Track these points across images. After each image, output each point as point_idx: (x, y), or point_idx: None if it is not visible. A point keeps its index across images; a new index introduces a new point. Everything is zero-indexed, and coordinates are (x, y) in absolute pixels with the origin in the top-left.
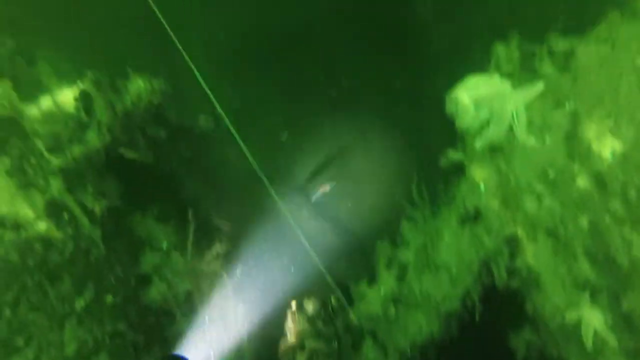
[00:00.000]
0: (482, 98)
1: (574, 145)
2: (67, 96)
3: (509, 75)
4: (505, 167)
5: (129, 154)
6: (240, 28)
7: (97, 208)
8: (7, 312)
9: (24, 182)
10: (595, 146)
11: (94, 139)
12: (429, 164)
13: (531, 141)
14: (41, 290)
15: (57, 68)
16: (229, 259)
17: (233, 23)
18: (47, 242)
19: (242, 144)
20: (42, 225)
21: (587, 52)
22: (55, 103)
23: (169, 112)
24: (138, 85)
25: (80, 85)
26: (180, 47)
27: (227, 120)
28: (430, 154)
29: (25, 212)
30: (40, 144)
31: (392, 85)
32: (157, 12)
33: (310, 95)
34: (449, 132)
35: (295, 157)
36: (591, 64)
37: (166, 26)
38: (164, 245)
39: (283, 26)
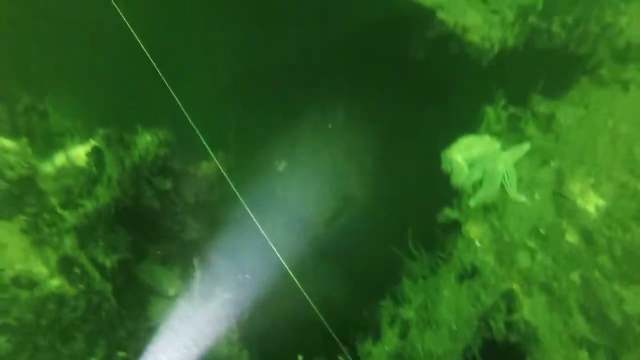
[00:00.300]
0: (474, 158)
1: (561, 201)
2: (79, 152)
3: (498, 136)
4: (498, 224)
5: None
6: (238, 62)
7: (108, 262)
8: None
9: (38, 240)
10: (580, 202)
11: (104, 194)
12: (425, 218)
13: (521, 198)
14: (54, 351)
15: (69, 125)
16: (234, 305)
17: (230, 60)
18: (60, 299)
19: (233, 187)
20: (55, 282)
21: (565, 114)
22: (69, 159)
23: (174, 161)
24: (146, 140)
25: (92, 142)
26: (175, 96)
27: (217, 163)
28: (425, 208)
29: (39, 269)
30: (54, 201)
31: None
32: (154, 63)
33: (307, 127)
34: (445, 188)
35: (292, 187)
36: (570, 125)
37: (160, 74)
38: (170, 292)
39: (281, 59)
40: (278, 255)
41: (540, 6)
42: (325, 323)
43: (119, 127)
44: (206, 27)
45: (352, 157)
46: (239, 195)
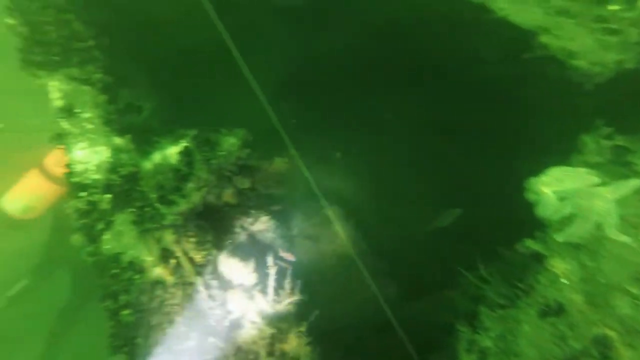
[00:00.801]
0: (566, 192)
1: None
2: (172, 151)
3: (597, 169)
4: (591, 263)
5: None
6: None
7: (198, 256)
8: None
9: (143, 231)
10: None
11: (193, 192)
12: (500, 244)
13: (623, 238)
14: (162, 331)
15: (164, 125)
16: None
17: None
18: (163, 286)
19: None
20: (158, 270)
21: None
22: (164, 157)
23: (251, 159)
24: (229, 142)
25: (183, 142)
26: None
27: (295, 158)
28: (501, 234)
29: (146, 257)
30: (153, 196)
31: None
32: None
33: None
34: (527, 217)
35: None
36: None
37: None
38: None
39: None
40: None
41: None
42: (402, 336)
43: (205, 129)
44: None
45: (416, 164)
46: (315, 189)
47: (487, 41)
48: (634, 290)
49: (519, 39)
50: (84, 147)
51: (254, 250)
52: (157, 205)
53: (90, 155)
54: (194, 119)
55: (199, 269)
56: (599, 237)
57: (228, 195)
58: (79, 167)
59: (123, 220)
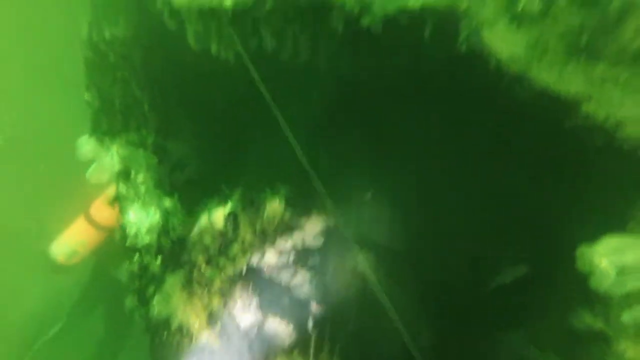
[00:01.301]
0: (628, 265)
1: None
2: (218, 214)
3: None
4: None
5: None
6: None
7: (243, 322)
8: None
9: (191, 294)
10: None
11: (239, 256)
12: (550, 314)
13: None
14: None
15: (210, 183)
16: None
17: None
18: (211, 351)
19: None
20: (205, 334)
21: None
22: (210, 220)
23: (292, 219)
24: (273, 203)
25: (229, 204)
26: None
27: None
28: (550, 304)
29: (194, 321)
30: (200, 259)
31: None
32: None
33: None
34: (579, 287)
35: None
36: None
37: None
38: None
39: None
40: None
41: None
42: None
43: (249, 187)
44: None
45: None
46: (350, 238)
47: (528, 111)
48: None
49: (561, 109)
50: (137, 210)
51: (295, 310)
52: (205, 268)
53: (143, 218)
54: (238, 176)
55: (245, 332)
56: None
57: (270, 257)
58: (132, 230)
59: (172, 283)
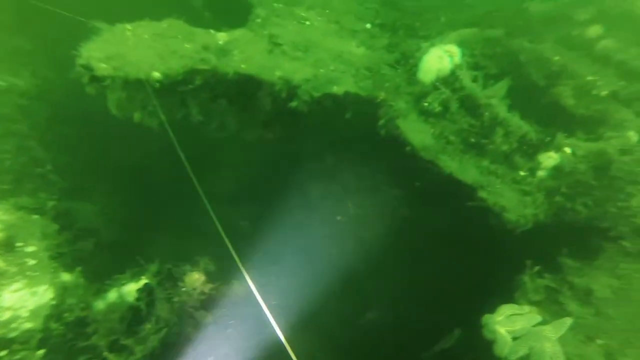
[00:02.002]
0: (518, 332)
1: None
2: (131, 288)
3: (537, 305)
4: None
5: None
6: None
7: None
8: None
9: None
10: None
11: (152, 334)
12: None
13: None
14: None
15: (121, 257)
16: None
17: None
18: None
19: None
20: None
21: (600, 284)
22: (120, 295)
23: (213, 290)
24: (193, 277)
25: (143, 279)
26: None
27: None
28: None
29: None
30: (103, 343)
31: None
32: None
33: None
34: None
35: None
36: (607, 298)
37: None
38: None
39: None
40: None
41: (563, 189)
42: None
43: (166, 259)
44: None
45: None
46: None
47: (439, 191)
48: None
49: (464, 193)
50: (18, 289)
51: None
52: (107, 355)
53: (25, 299)
54: (155, 246)
55: None
56: None
57: (188, 332)
58: (5, 315)
59: None
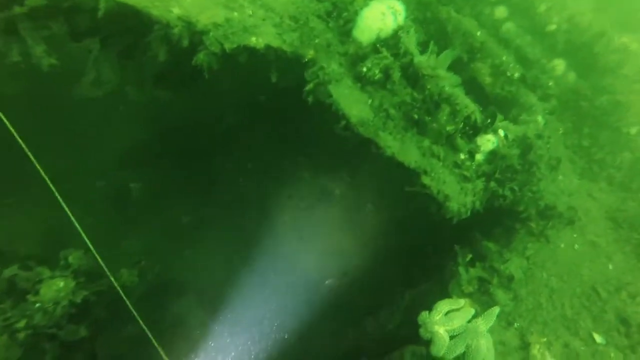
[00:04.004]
0: (456, 330)
1: None
2: None
3: (470, 297)
4: None
5: None
6: None
7: None
8: None
9: None
10: None
11: None
12: None
13: None
14: None
15: None
16: None
17: None
18: None
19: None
20: None
21: (515, 266)
22: None
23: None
24: (54, 288)
25: None
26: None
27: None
28: None
29: None
30: None
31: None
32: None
33: None
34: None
35: None
36: (520, 279)
37: None
38: None
39: None
40: None
41: (497, 174)
42: None
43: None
44: None
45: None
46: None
47: (376, 174)
48: None
49: (406, 178)
50: None
51: None
52: None
53: None
54: None
55: None
56: None
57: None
58: None
59: None
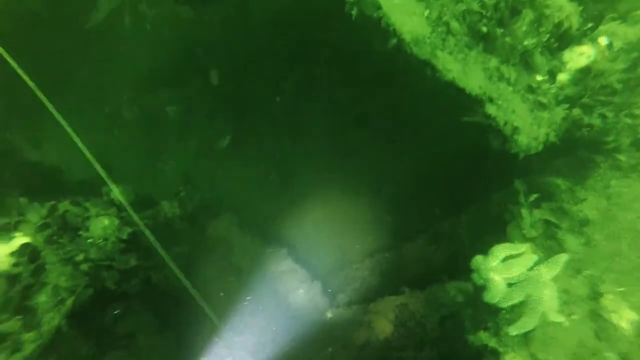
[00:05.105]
0: (515, 279)
1: (598, 319)
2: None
3: (532, 242)
4: (540, 354)
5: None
6: None
7: None
8: None
9: None
10: (614, 318)
11: (47, 313)
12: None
13: (560, 319)
14: None
15: None
16: None
17: None
18: None
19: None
20: None
21: (590, 206)
22: None
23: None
24: (101, 225)
25: (19, 236)
26: None
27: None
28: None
29: None
30: None
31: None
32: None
33: None
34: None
35: None
36: (595, 221)
37: None
38: None
39: None
40: None
41: (586, 98)
42: None
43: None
44: None
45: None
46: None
47: (431, 103)
48: None
49: (464, 106)
50: None
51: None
52: None
53: None
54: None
55: None
56: (543, 323)
57: (107, 287)
58: None
59: None
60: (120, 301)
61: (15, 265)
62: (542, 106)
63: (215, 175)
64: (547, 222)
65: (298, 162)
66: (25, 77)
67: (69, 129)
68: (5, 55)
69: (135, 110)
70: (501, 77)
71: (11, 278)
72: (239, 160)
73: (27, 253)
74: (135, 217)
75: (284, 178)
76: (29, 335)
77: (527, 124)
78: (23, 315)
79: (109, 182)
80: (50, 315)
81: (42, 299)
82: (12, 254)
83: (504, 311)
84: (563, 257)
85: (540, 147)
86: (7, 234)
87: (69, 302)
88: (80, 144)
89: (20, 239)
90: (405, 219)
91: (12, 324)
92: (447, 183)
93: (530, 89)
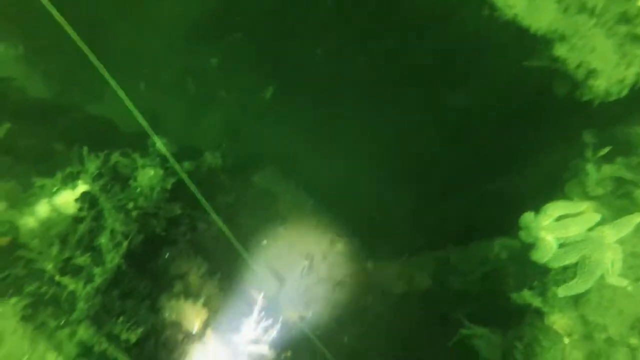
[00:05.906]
0: (571, 239)
1: None
2: (66, 198)
3: (597, 200)
4: (592, 318)
5: None
6: None
7: (133, 337)
8: None
9: (43, 325)
10: None
11: (109, 252)
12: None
13: (623, 283)
14: None
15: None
16: None
17: None
18: None
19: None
20: None
21: None
22: (54, 208)
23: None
24: (147, 175)
25: (80, 184)
26: None
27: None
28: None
29: None
30: (49, 267)
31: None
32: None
33: None
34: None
35: None
36: None
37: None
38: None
39: None
40: None
41: None
42: None
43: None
44: None
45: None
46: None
47: (485, 47)
48: (633, 341)
49: (527, 49)
50: None
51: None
52: (58, 278)
53: None
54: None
55: (136, 351)
56: (600, 286)
57: (156, 233)
58: None
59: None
60: (171, 245)
61: (80, 209)
62: (636, 39)
63: (259, 127)
64: (619, 180)
65: (340, 114)
66: (75, 36)
67: (112, 82)
68: (56, 15)
69: (180, 63)
70: (582, 9)
71: (79, 220)
72: (281, 112)
73: (87, 200)
74: (177, 167)
75: (327, 130)
76: (97, 270)
77: (610, 65)
78: (91, 252)
79: (151, 133)
80: (111, 254)
81: (103, 240)
82: (77, 200)
83: (553, 271)
84: (636, 218)
85: (625, 92)
86: (72, 182)
87: (125, 244)
88: (124, 97)
89: (82, 187)
90: (451, 174)
91: (84, 259)
92: (499, 137)
93: (625, 19)
